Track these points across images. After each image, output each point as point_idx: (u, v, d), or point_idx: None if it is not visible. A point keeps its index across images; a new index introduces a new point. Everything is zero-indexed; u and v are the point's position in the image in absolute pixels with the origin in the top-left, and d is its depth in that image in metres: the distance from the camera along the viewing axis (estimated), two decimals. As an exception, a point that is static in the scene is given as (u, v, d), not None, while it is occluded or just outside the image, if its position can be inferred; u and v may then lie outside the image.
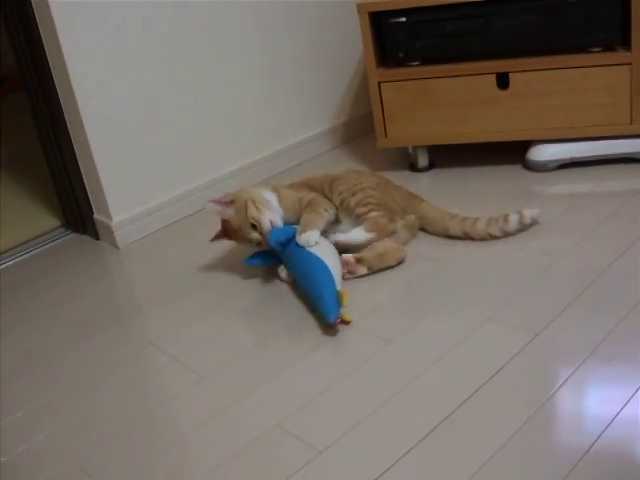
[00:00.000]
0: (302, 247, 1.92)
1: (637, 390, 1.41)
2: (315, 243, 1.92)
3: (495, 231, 2.03)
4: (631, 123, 2.31)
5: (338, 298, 1.78)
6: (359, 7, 2.44)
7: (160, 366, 1.79)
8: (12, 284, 2.37)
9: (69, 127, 2.44)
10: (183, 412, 1.60)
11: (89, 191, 2.54)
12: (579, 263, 1.88)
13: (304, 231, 1.94)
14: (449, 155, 2.68)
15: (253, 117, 2.82)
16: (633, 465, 1.25)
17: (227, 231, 2.09)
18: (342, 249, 2.00)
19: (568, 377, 1.48)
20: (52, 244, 2.64)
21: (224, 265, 2.19)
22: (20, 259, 2.56)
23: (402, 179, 2.46)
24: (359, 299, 1.90)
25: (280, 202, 2.10)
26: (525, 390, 1.48)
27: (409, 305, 1.86)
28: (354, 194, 2.08)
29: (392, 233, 2.05)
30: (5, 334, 2.07)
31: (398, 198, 2.13)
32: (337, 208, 2.10)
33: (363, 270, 2.00)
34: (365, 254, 2.00)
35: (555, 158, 2.41)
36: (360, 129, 3.16)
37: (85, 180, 2.52)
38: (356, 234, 2.02)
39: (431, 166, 2.66)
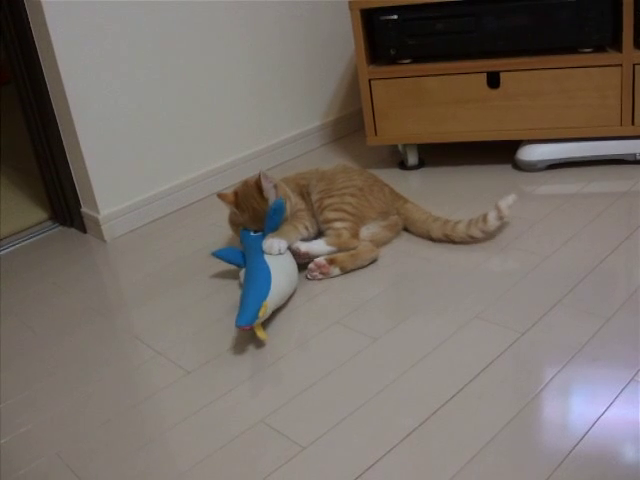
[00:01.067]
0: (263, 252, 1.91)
1: (622, 390, 1.41)
2: (278, 252, 1.91)
3: (475, 232, 2.02)
4: (621, 124, 2.31)
5: (258, 307, 1.72)
6: (351, 4, 2.44)
7: (145, 360, 1.78)
8: (-2, 276, 2.36)
9: (58, 120, 2.43)
10: (167, 406, 1.59)
11: (77, 184, 2.53)
12: (566, 263, 1.88)
13: (273, 237, 1.94)
14: (439, 154, 2.68)
15: (243, 113, 2.81)
16: (617, 465, 1.25)
17: (242, 206, 2.03)
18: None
19: (554, 376, 1.48)
20: (39, 237, 2.62)
21: (210, 260, 2.18)
22: (6, 252, 2.54)
23: (392, 177, 2.46)
24: (346, 296, 1.89)
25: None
26: (511, 388, 1.47)
27: (396, 303, 1.86)
28: (331, 196, 2.08)
29: (353, 249, 2.02)
30: (-11, 326, 2.06)
31: (377, 202, 2.11)
32: (314, 211, 2.10)
33: (336, 271, 2.00)
34: (337, 255, 2.01)
35: (545, 158, 2.42)
36: (350, 126, 3.15)
37: (73, 173, 2.51)
38: (316, 245, 2.02)
39: (421, 164, 2.66)
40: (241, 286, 1.99)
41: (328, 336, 1.75)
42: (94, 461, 1.46)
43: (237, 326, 1.69)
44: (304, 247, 2.00)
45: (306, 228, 2.06)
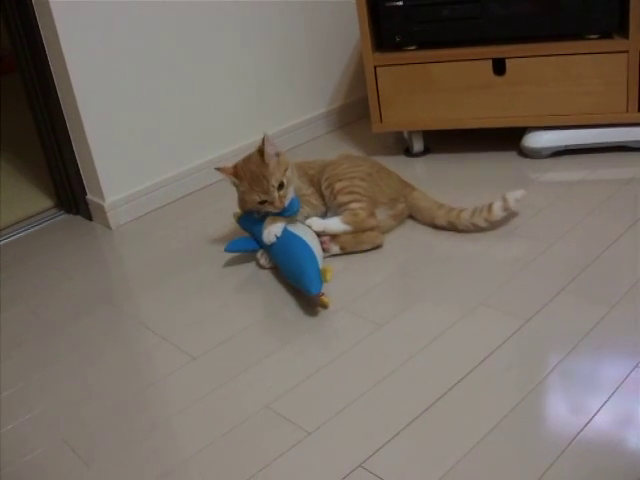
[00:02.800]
0: (284, 228, 1.92)
1: (626, 377, 1.42)
2: (275, 238, 1.90)
3: (479, 221, 2.01)
4: (627, 111, 2.30)
5: (321, 273, 1.79)
6: (356, -10, 2.43)
7: (151, 346, 1.79)
8: (4, 264, 2.36)
9: (63, 109, 2.43)
10: (173, 392, 1.60)
11: (82, 172, 2.53)
12: (571, 250, 1.88)
13: (269, 224, 1.93)
14: (444, 140, 2.68)
15: (247, 100, 2.81)
16: (620, 452, 1.25)
17: (241, 173, 1.95)
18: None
19: (558, 363, 1.48)
20: (44, 224, 2.63)
21: (216, 247, 2.18)
22: (12, 239, 2.55)
23: (397, 164, 2.46)
24: (351, 283, 1.90)
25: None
26: (515, 375, 1.48)
27: (401, 289, 1.86)
28: (340, 180, 2.07)
29: (370, 229, 2.02)
30: (-4, 313, 2.07)
31: (387, 188, 2.11)
32: (325, 198, 2.09)
33: (336, 249, 2.01)
34: (340, 234, 2.01)
35: (550, 145, 2.41)
36: (355, 113, 3.15)
37: (78, 161, 2.51)
38: (332, 223, 2.01)
39: (426, 151, 2.65)
40: (261, 267, 2.03)
41: (333, 322, 1.75)
42: (100, 446, 1.47)
43: (313, 294, 1.74)
44: (320, 225, 1.99)
45: (309, 204, 2.05)
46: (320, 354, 1.64)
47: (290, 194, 1.95)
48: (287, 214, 1.94)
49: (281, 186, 1.91)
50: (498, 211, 1.99)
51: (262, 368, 1.63)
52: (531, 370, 1.48)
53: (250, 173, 1.92)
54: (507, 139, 2.55)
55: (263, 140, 1.92)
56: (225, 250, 2.05)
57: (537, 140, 2.42)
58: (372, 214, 2.03)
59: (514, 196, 1.99)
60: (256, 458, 1.37)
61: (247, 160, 1.96)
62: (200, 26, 2.59)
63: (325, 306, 1.79)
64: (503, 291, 1.76)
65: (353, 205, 2.02)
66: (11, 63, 4.79)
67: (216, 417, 1.50)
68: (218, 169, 1.98)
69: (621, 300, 1.65)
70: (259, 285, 1.97)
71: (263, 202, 1.92)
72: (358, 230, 2.01)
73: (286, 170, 1.94)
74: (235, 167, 1.97)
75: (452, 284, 1.83)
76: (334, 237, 1.99)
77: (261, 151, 1.92)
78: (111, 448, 1.47)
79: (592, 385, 1.42)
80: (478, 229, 2.02)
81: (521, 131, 2.48)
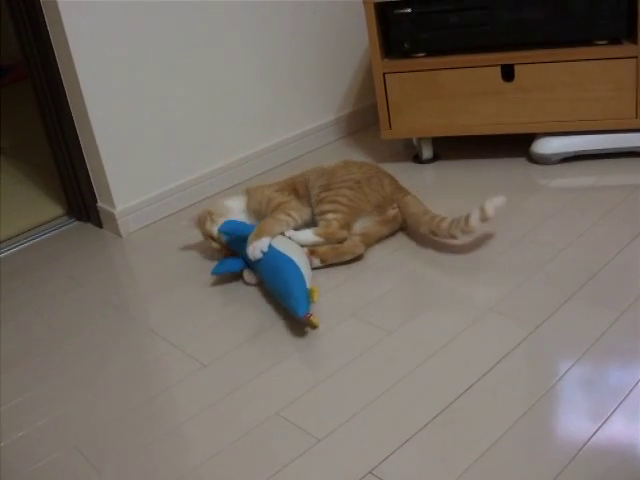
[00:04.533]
0: (269, 245, 1.92)
1: (637, 384, 1.41)
2: (261, 254, 1.90)
3: (456, 232, 1.95)
4: (636, 117, 2.30)
5: (308, 294, 1.77)
6: (365, -3, 2.44)
7: (161, 353, 1.79)
8: (15, 271, 2.38)
9: (73, 116, 2.44)
10: (183, 399, 1.60)
11: (93, 179, 2.54)
12: (581, 256, 1.88)
13: (253, 240, 1.93)
14: (453, 147, 2.68)
15: (257, 107, 2.82)
16: (631, 458, 1.25)
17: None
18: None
19: (568, 369, 1.48)
20: (55, 232, 2.64)
21: (226, 254, 2.19)
22: (24, 246, 2.56)
23: (406, 171, 2.46)
24: (360, 290, 1.90)
25: (247, 204, 2.14)
26: (525, 381, 1.48)
27: (410, 296, 1.86)
28: (328, 190, 2.09)
29: (342, 240, 2.02)
30: (8, 320, 2.07)
31: (374, 195, 2.09)
32: (313, 206, 2.11)
33: (317, 262, 2.01)
34: (319, 247, 2.01)
35: (559, 151, 2.41)
36: (364, 120, 3.15)
37: (89, 168, 2.53)
38: (303, 235, 2.02)
39: (435, 158, 2.65)
40: (247, 284, 2.02)
41: (343, 329, 1.76)
42: (111, 453, 1.48)
43: (300, 317, 1.72)
44: (288, 235, 2.01)
45: (289, 216, 2.05)
46: (330, 361, 1.64)
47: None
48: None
49: (212, 238, 2.11)
50: (475, 222, 1.92)
51: (272, 375, 1.63)
52: (542, 376, 1.48)
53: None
54: (516, 145, 2.55)
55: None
56: (212, 273, 2.06)
57: (546, 146, 2.42)
58: (346, 226, 2.03)
59: (492, 203, 1.91)
60: (266, 465, 1.37)
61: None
62: (211, 33, 2.60)
63: (314, 326, 1.77)
64: (513, 297, 1.76)
65: (329, 216, 2.03)
66: (20, 72, 4.84)
67: (226, 424, 1.50)
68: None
69: (631, 306, 1.65)
70: (269, 294, 1.97)
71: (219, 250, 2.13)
72: (329, 242, 2.02)
73: (204, 224, 2.14)
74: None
75: (461, 291, 1.83)
76: (313, 251, 2.00)
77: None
78: (122, 455, 1.47)
79: (603, 391, 1.41)
80: (455, 239, 1.98)
81: (530, 137, 2.48)
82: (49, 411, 1.65)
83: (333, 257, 2.02)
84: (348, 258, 2.03)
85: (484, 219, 1.92)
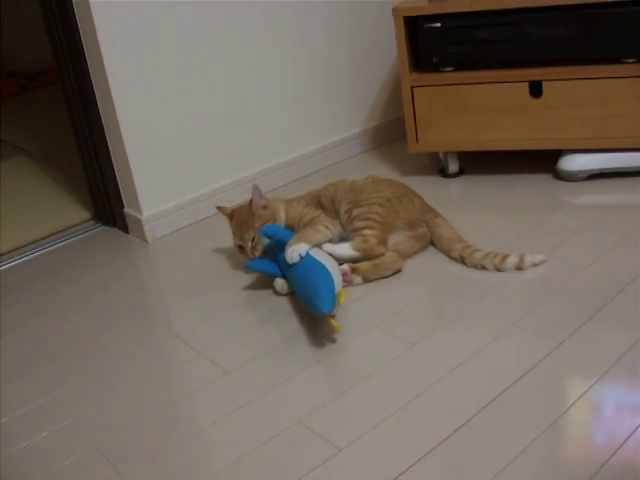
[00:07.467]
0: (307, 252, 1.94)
1: (659, 402, 1.41)
2: (299, 257, 1.91)
3: (488, 265, 1.97)
4: (663, 136, 2.30)
5: (335, 296, 1.78)
6: (394, 11, 2.45)
7: (184, 359, 1.81)
8: (41, 274, 2.40)
9: (103, 121, 2.47)
10: (205, 405, 1.62)
11: (120, 185, 2.57)
12: (605, 274, 1.88)
13: (293, 243, 1.94)
14: (479, 162, 2.68)
15: (284, 118, 2.83)
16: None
17: (233, 216, 2.16)
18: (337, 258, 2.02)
19: (589, 388, 1.48)
20: (82, 236, 2.67)
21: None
22: (50, 249, 2.59)
23: (432, 184, 2.47)
24: (384, 302, 1.91)
25: (286, 219, 2.14)
26: (546, 398, 1.47)
27: (434, 310, 1.87)
28: (360, 207, 2.09)
29: (379, 255, 2.03)
30: (32, 322, 2.09)
31: (406, 213, 2.11)
32: (342, 221, 2.12)
33: (358, 280, 2.01)
34: (360, 264, 2.02)
35: (585, 168, 2.41)
36: (391, 133, 3.16)
37: (117, 174, 2.55)
38: (341, 249, 2.03)
39: (461, 172, 2.66)
40: (277, 294, 2.03)
41: (366, 340, 1.76)
42: (132, 456, 1.49)
43: (322, 313, 1.73)
44: (328, 248, 2.01)
45: (327, 228, 2.06)
46: (352, 371, 1.65)
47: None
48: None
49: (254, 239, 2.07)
50: (509, 265, 1.96)
51: (294, 384, 1.64)
52: (562, 394, 1.48)
53: (238, 218, 2.12)
54: (542, 161, 2.55)
55: (252, 190, 2.08)
56: (245, 266, 2.08)
57: (573, 163, 2.42)
58: (382, 242, 2.04)
59: (532, 260, 1.96)
60: (287, 473, 1.38)
61: (242, 206, 2.14)
62: (242, 44, 2.62)
63: (335, 330, 1.78)
64: (536, 313, 1.76)
65: (366, 232, 2.04)
66: (48, 77, 4.90)
67: (247, 431, 1.51)
68: (218, 208, 2.21)
69: (655, 325, 1.64)
70: (294, 302, 1.98)
71: (240, 246, 2.10)
72: (366, 257, 2.03)
73: (269, 221, 2.08)
74: (232, 210, 2.16)
75: (484, 305, 1.83)
76: (355, 268, 2.01)
77: (251, 200, 2.09)
78: (143, 458, 1.48)
79: (623, 411, 1.41)
80: (484, 270, 1.99)
81: (557, 154, 2.47)
82: (71, 413, 1.67)
83: (374, 273, 2.02)
84: (388, 274, 2.03)
85: (518, 268, 1.96)
